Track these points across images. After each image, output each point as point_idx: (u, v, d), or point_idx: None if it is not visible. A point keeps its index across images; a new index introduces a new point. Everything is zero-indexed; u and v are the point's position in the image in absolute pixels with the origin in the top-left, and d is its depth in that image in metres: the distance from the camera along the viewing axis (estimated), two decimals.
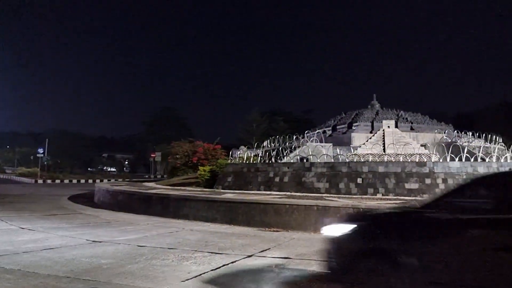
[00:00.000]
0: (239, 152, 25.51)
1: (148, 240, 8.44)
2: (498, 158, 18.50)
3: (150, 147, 62.78)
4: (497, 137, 29.42)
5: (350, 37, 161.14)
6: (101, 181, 38.41)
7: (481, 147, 22.75)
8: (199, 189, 18.48)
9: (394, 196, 15.45)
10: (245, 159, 22.27)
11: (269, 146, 27.73)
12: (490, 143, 28.08)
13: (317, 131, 31.57)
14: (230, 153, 24.34)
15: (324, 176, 17.23)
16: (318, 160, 19.62)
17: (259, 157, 21.96)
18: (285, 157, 22.34)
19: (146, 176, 51.75)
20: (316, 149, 23.75)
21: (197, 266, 5.91)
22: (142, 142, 79.74)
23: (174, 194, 14.47)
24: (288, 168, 18.41)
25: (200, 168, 22.08)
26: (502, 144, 28.49)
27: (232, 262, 6.23)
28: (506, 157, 18.97)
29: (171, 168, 34.31)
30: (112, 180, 39.01)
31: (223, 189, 18.55)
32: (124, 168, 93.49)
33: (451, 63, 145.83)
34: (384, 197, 15.27)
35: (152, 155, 50.41)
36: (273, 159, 20.72)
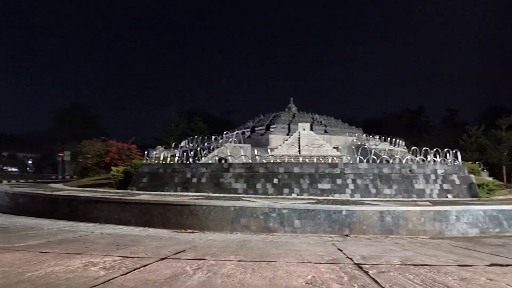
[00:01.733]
0: (155, 152, 24.79)
1: (51, 245, 7.79)
2: (400, 160, 20.07)
3: (58, 146, 58.62)
4: (400, 141, 32.12)
5: (268, 40, 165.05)
6: (0, 182, 34.88)
7: (386, 150, 24.62)
8: (112, 191, 17.63)
9: (308, 196, 16.06)
10: (161, 159, 21.69)
11: (187, 146, 27.36)
12: (394, 146, 30.53)
13: (236, 132, 31.80)
14: (146, 153, 23.47)
15: (242, 177, 17.38)
16: (236, 161, 19.76)
17: (177, 158, 21.54)
18: (203, 158, 22.17)
19: (54, 177, 48.32)
20: (234, 150, 23.88)
21: (105, 271, 5.56)
22: (49, 140, 74.01)
23: (83, 196, 13.62)
24: (206, 168, 18.28)
25: (113, 168, 21.10)
26: (404, 147, 31.12)
27: (144, 266, 5.97)
28: (407, 159, 20.66)
29: (81, 168, 32.35)
30: (13, 181, 35.64)
31: (137, 190, 17.89)
32: (28, 168, 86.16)
33: (363, 70, 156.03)
34: (298, 197, 15.80)
35: (60, 155, 47.12)
36: (190, 160, 20.44)
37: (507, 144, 45.90)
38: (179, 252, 7.23)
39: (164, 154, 23.86)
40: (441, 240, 10.37)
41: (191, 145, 27.90)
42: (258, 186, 16.94)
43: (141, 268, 5.81)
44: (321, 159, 22.19)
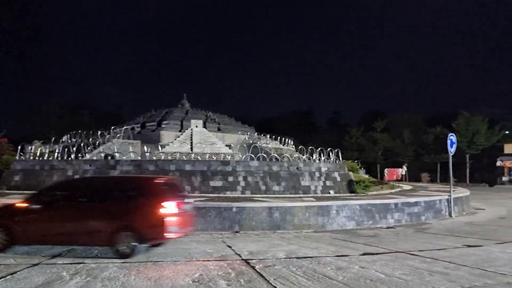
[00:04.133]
0: (31, 147, 22.40)
1: None
2: (288, 158, 21.06)
3: None
4: (289, 140, 33.81)
5: (161, 33, 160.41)
6: None
7: (276, 148, 25.67)
8: None
9: (199, 193, 15.96)
10: (38, 155, 19.72)
11: (70, 141, 25.31)
12: (283, 145, 31.98)
13: (125, 127, 30.23)
14: (20, 148, 21.10)
15: (130, 174, 16.61)
16: (125, 158, 18.85)
17: (57, 153, 19.80)
18: (87, 154, 20.66)
19: None
20: (122, 146, 22.74)
21: None
22: None
23: None
24: (90, 165, 17.12)
25: None
26: (293, 146, 32.77)
27: (12, 274, 5.33)
28: (294, 158, 21.79)
29: None
30: None
31: (8, 189, 16.04)
32: None
33: (257, 70, 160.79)
34: (189, 195, 15.62)
35: None
36: (73, 156, 18.91)
37: (381, 145, 51.42)
38: (55, 257, 6.62)
39: (41, 149, 21.72)
40: (323, 233, 11.14)
41: (74, 140, 25.86)
42: None
43: (8, 277, 5.18)
44: (213, 157, 22.26)
